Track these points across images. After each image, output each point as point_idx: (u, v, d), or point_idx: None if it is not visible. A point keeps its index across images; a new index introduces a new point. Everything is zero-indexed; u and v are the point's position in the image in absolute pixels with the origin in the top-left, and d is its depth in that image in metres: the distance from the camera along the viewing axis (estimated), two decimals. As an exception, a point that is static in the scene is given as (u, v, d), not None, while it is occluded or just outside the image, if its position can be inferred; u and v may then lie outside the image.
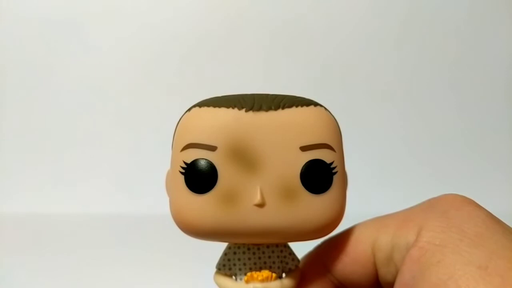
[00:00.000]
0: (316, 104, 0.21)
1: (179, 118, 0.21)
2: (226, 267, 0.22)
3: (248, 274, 0.21)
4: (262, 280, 0.21)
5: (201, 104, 0.20)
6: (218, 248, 0.22)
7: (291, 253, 0.22)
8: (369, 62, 0.69)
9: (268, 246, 0.22)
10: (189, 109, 0.21)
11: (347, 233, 0.22)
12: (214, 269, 0.22)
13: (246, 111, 0.19)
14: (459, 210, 0.19)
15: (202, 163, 0.19)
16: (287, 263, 0.22)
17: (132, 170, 0.66)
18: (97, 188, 0.65)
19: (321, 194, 0.20)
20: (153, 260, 0.48)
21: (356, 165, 0.22)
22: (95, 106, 0.67)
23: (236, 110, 0.19)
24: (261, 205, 0.19)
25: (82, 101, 0.67)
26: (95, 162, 0.66)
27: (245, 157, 0.19)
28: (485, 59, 0.71)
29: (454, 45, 0.71)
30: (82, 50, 0.67)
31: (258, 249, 0.22)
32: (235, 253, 0.22)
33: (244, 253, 0.22)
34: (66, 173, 0.66)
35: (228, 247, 0.22)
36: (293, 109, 0.20)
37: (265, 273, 0.21)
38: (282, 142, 0.19)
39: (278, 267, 0.22)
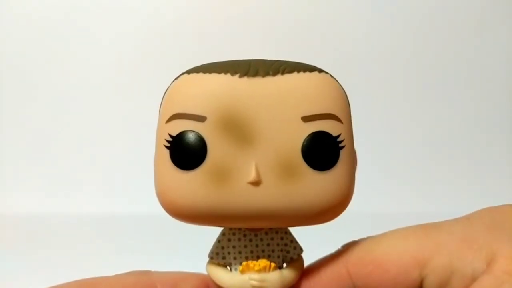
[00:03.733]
0: (321, 70, 0.18)
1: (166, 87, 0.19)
2: (219, 255, 0.19)
3: (244, 263, 0.19)
4: (259, 270, 0.18)
5: (190, 71, 0.18)
6: (211, 235, 0.20)
7: (293, 240, 0.20)
8: (369, 62, 0.67)
9: (266, 233, 0.19)
10: (177, 77, 0.18)
11: (383, 244, 0.19)
12: (207, 259, 0.20)
13: (240, 76, 0.17)
14: None
15: (190, 135, 0.17)
16: (288, 252, 0.19)
17: (133, 171, 0.65)
18: (97, 188, 0.64)
19: (325, 172, 0.17)
20: (152, 260, 0.47)
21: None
22: (95, 106, 0.66)
23: (228, 75, 0.17)
24: (256, 183, 0.17)
25: (82, 101, 0.66)
26: (95, 163, 0.65)
27: (238, 129, 0.17)
28: (488, 57, 0.69)
29: (462, 43, 0.69)
30: (83, 50, 0.67)
31: (256, 235, 0.19)
32: (229, 240, 0.19)
33: (239, 240, 0.19)
34: (65, 174, 0.65)
35: (222, 234, 0.19)
36: (294, 74, 0.17)
37: (263, 262, 0.18)
38: (281, 111, 0.17)
39: (278, 256, 0.19)
